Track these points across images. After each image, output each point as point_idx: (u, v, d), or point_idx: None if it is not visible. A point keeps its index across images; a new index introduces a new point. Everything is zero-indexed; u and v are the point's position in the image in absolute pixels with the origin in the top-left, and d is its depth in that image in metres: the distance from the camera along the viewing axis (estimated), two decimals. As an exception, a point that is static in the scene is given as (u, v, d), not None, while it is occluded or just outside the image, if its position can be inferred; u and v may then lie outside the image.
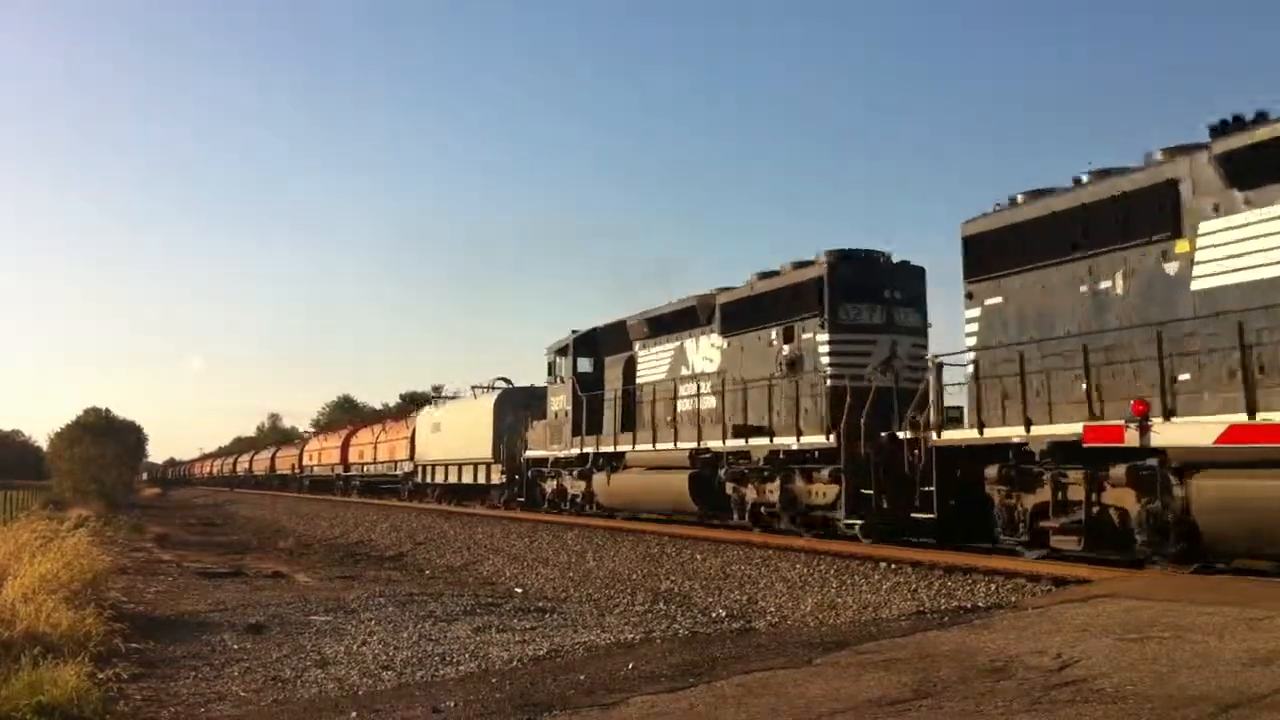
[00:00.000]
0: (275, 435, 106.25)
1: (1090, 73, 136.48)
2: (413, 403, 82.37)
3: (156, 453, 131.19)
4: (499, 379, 35.55)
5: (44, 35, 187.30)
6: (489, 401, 32.91)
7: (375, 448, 47.13)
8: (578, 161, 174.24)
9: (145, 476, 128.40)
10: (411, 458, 40.39)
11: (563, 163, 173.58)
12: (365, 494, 46.84)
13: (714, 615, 12.75)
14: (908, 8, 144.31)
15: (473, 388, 36.49)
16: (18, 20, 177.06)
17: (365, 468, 48.61)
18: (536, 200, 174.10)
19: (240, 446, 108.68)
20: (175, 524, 38.93)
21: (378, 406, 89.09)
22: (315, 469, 59.84)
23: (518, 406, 30.34)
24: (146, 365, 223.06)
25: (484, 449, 31.85)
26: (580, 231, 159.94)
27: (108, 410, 77.10)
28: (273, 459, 74.37)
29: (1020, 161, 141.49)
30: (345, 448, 52.63)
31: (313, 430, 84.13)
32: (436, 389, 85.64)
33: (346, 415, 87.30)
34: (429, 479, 38.35)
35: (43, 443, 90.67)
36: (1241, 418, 10.29)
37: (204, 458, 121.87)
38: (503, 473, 30.07)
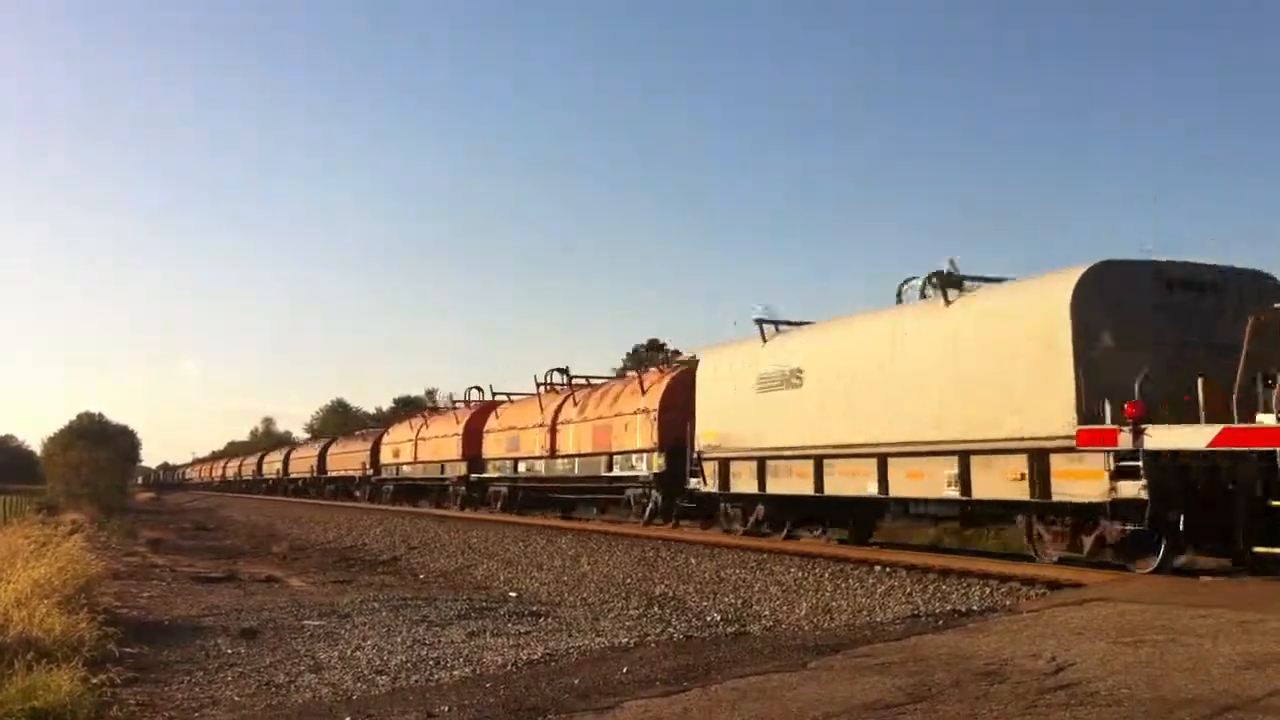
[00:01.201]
0: (269, 439, 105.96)
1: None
2: (406, 407, 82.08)
3: (149, 458, 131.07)
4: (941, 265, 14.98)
5: (44, 35, 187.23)
6: (1060, 292, 12.55)
7: (551, 433, 27.96)
8: (577, 164, 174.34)
9: (142, 480, 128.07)
10: (662, 447, 22.27)
11: (562, 165, 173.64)
12: (532, 509, 30.08)
13: (708, 619, 12.74)
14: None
15: (928, 278, 15.24)
16: (17, 19, 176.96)
17: (525, 465, 29.64)
18: (536, 203, 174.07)
19: (235, 449, 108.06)
20: (169, 529, 38.80)
21: (371, 411, 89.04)
22: (405, 469, 41.29)
23: (1164, 312, 12.55)
24: (139, 370, 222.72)
25: (1052, 411, 12.30)
26: (579, 234, 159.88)
27: (101, 415, 77.20)
28: (321, 457, 57.58)
29: (1023, 159, 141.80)
30: (472, 435, 33.53)
31: (307, 434, 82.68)
32: (430, 393, 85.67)
33: (341, 418, 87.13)
34: (738, 487, 18.89)
35: (36, 447, 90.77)
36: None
37: (206, 460, 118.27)
38: (1117, 473, 11.59)
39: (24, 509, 28.93)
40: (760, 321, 18.65)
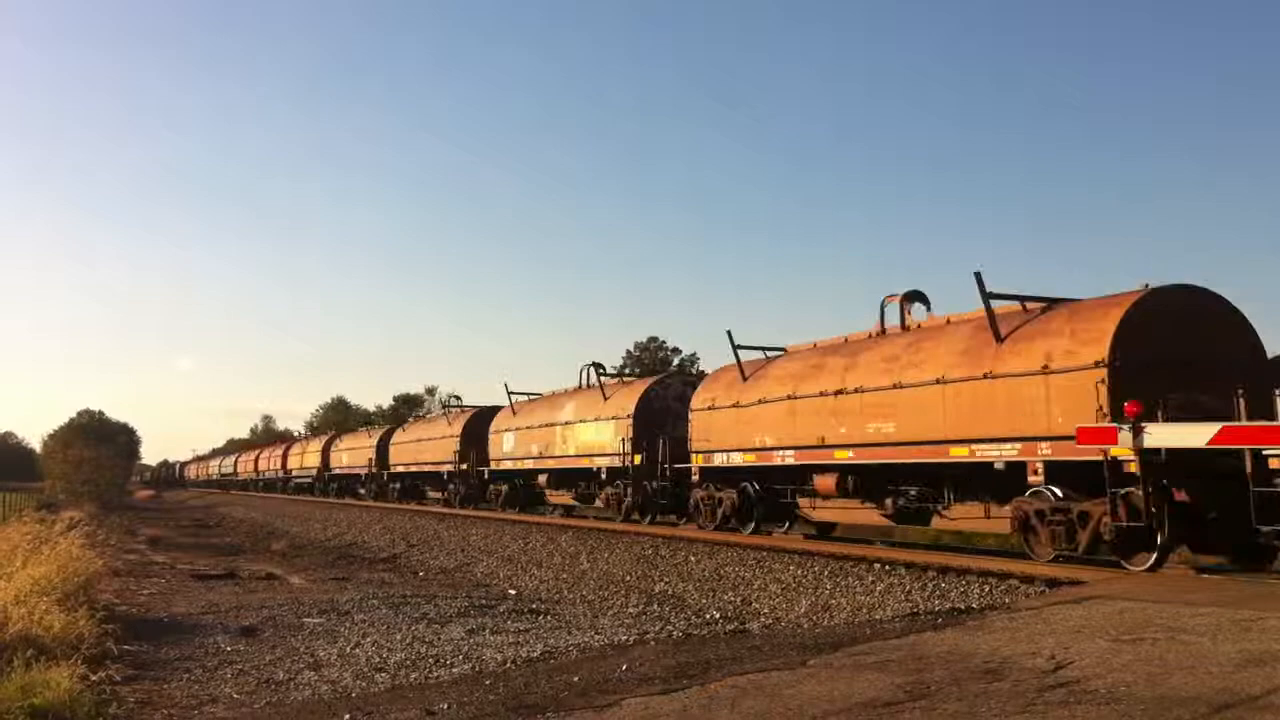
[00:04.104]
0: (268, 437, 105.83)
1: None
2: (406, 404, 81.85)
3: (148, 455, 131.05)
4: None
5: (42, 33, 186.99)
6: None
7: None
8: (577, 163, 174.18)
9: (149, 477, 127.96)
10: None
11: (562, 164, 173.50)
12: (774, 522, 19.57)
13: (708, 617, 12.75)
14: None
15: None
16: (16, 18, 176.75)
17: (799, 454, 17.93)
18: (535, 202, 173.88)
19: (234, 447, 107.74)
20: (168, 526, 38.82)
21: (371, 409, 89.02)
22: (526, 463, 29.01)
23: None
24: (138, 368, 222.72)
25: None
26: (579, 232, 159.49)
27: (101, 412, 77.18)
28: (381, 448, 43.42)
29: (1025, 160, 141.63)
30: (652, 413, 23.49)
31: (307, 432, 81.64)
32: (430, 390, 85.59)
33: (341, 416, 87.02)
34: None
35: (36, 444, 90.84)
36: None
37: (206, 457, 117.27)
38: None
39: (23, 507, 28.91)
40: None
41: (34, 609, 9.84)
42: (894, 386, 15.27)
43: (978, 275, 13.79)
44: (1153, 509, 11.45)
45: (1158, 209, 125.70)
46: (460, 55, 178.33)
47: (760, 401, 18.76)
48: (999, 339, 13.79)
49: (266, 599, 15.17)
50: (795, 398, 17.70)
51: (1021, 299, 14.28)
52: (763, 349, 20.21)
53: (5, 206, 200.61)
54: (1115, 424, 11.27)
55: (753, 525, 19.20)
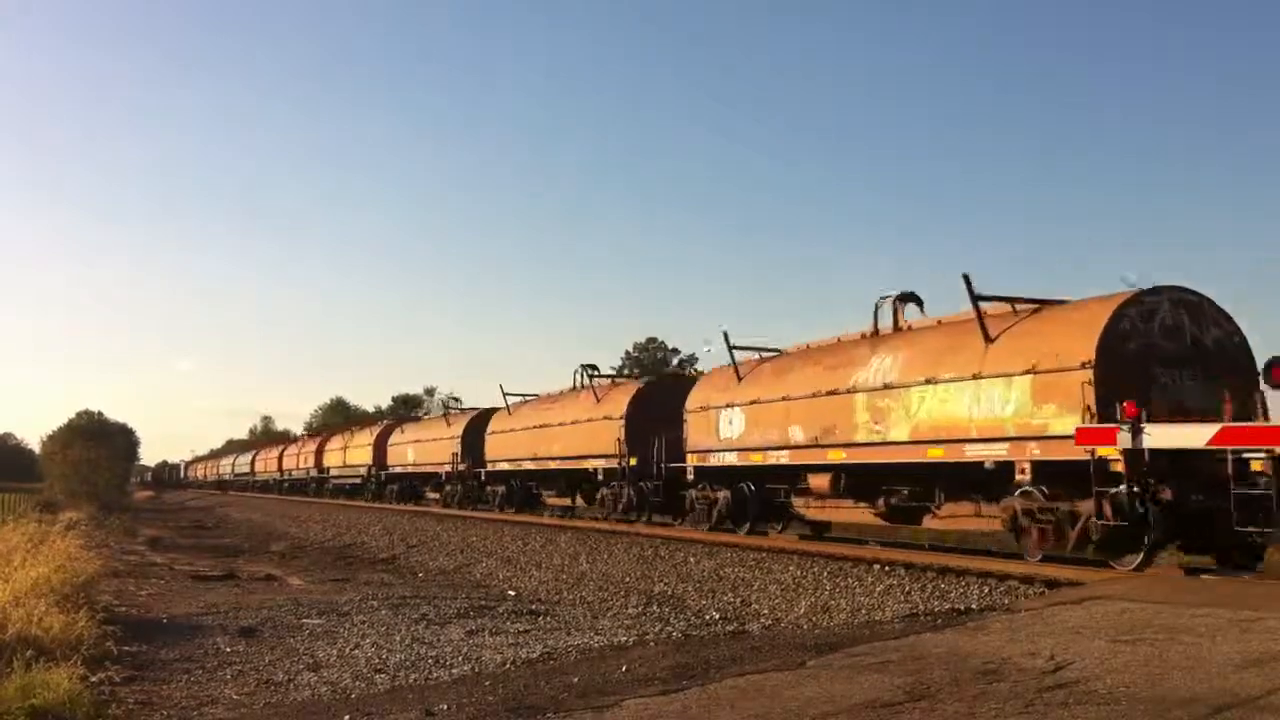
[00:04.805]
0: (266, 437, 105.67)
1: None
2: (405, 405, 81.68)
3: (148, 456, 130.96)
4: None
5: (42, 34, 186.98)
6: None
7: None
8: (576, 162, 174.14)
9: (151, 477, 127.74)
10: None
11: (560, 164, 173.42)
12: None
13: (707, 618, 12.75)
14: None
15: None
16: (15, 18, 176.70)
17: None
18: (534, 202, 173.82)
19: (233, 448, 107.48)
20: (168, 527, 38.80)
21: (370, 409, 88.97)
22: (727, 458, 19.45)
23: None
24: (137, 369, 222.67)
25: None
26: (578, 232, 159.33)
27: (100, 413, 77.07)
28: (472, 439, 33.70)
29: (1021, 158, 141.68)
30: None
31: (305, 434, 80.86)
32: (429, 391, 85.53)
33: (340, 417, 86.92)
34: None
35: (35, 445, 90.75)
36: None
37: (206, 458, 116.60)
38: None
39: (22, 508, 28.89)
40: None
41: (33, 610, 9.83)
42: None
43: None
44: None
45: (1157, 209, 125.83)
46: (460, 55, 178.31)
47: None
48: None
49: (266, 600, 15.16)
50: None
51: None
52: None
53: (5, 206, 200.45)
54: (1116, 424, 11.27)
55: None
